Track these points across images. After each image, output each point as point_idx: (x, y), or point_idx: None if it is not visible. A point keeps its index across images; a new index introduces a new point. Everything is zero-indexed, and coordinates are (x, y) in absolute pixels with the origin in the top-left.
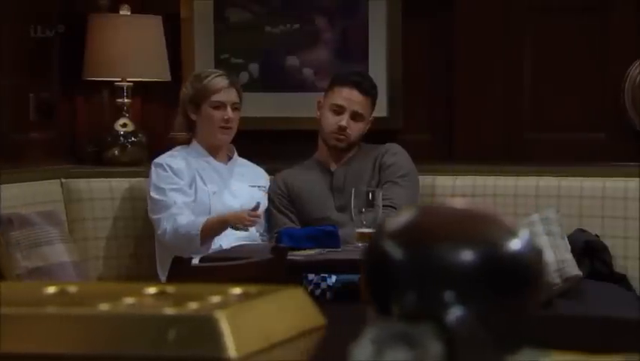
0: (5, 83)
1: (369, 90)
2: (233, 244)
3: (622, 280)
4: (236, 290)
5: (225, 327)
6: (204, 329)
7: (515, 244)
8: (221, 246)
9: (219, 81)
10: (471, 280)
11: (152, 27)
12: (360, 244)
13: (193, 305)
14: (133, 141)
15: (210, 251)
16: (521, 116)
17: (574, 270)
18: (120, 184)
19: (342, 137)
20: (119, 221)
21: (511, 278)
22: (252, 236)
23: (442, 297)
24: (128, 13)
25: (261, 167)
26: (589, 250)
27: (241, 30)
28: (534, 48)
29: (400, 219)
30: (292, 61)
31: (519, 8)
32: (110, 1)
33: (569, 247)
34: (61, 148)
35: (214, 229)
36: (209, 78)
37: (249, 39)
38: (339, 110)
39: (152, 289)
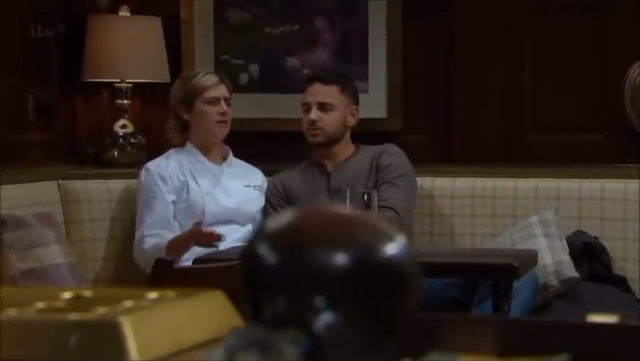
0: (3, 83)
1: (332, 79)
2: (230, 246)
3: (621, 282)
4: (154, 295)
5: (129, 332)
6: (107, 334)
7: (390, 248)
8: (218, 248)
9: (209, 78)
10: (343, 284)
11: (151, 28)
12: None
13: (101, 310)
14: (132, 143)
15: (205, 253)
16: (521, 117)
17: (571, 272)
18: (117, 185)
19: (315, 131)
20: (116, 222)
21: (384, 282)
22: (249, 237)
23: (313, 302)
24: (128, 14)
25: (262, 168)
26: (588, 252)
27: (241, 31)
28: (534, 49)
29: (277, 220)
30: (292, 62)
31: (518, 9)
32: (110, 1)
33: (567, 248)
34: (60, 149)
35: (178, 249)
36: (198, 77)
37: (249, 40)
38: (307, 108)
39: (67, 294)
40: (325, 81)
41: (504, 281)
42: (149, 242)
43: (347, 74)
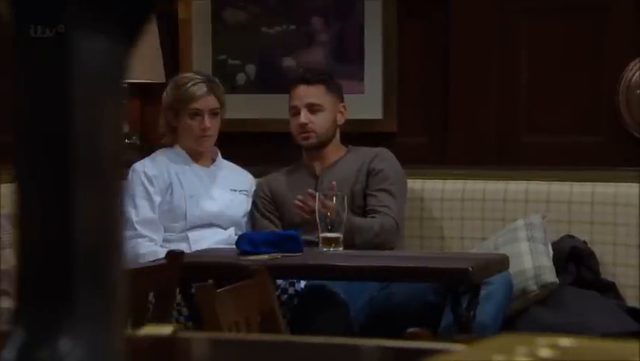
0: None
1: (316, 78)
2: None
3: (609, 288)
4: None
5: None
6: None
7: None
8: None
9: (196, 90)
10: None
11: (146, 27)
12: (324, 249)
13: None
14: (127, 143)
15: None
16: (517, 118)
17: (551, 277)
18: None
19: (306, 134)
20: None
21: None
22: (230, 240)
23: None
24: None
25: (258, 169)
26: (575, 257)
27: (238, 31)
28: (529, 49)
29: None
30: (288, 62)
31: (514, 9)
32: None
33: (551, 253)
34: None
35: None
36: (186, 86)
37: (246, 40)
38: (295, 111)
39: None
40: (310, 82)
41: (469, 286)
42: (145, 246)
43: (329, 72)
